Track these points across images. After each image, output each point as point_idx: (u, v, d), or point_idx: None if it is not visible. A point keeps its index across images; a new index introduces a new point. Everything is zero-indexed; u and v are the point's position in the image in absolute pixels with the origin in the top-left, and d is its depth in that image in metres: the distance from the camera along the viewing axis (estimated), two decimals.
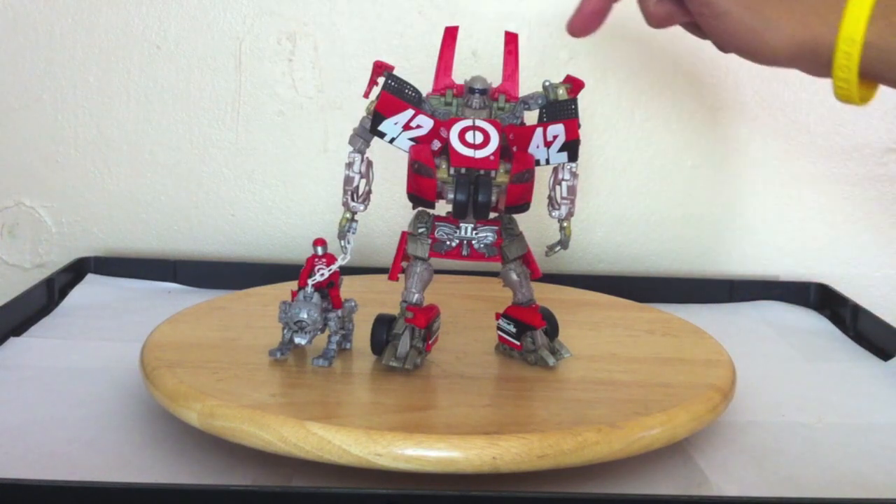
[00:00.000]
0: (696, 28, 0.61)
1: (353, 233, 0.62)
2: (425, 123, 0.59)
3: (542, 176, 0.60)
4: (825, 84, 0.97)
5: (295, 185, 0.96)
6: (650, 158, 0.97)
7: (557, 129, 0.58)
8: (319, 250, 0.61)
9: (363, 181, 0.61)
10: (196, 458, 0.55)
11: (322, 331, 0.61)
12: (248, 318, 0.71)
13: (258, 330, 0.67)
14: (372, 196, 0.62)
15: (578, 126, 0.59)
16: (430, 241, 0.61)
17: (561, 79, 0.61)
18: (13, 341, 0.73)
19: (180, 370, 0.58)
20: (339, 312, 0.62)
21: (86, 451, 0.55)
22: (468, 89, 0.60)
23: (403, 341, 0.60)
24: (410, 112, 0.59)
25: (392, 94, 0.59)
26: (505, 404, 0.57)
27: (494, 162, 0.58)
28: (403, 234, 0.62)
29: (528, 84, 0.62)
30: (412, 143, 0.59)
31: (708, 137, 0.97)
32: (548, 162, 0.60)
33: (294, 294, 0.61)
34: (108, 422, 0.59)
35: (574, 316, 0.74)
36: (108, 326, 0.78)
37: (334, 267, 0.61)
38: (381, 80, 0.59)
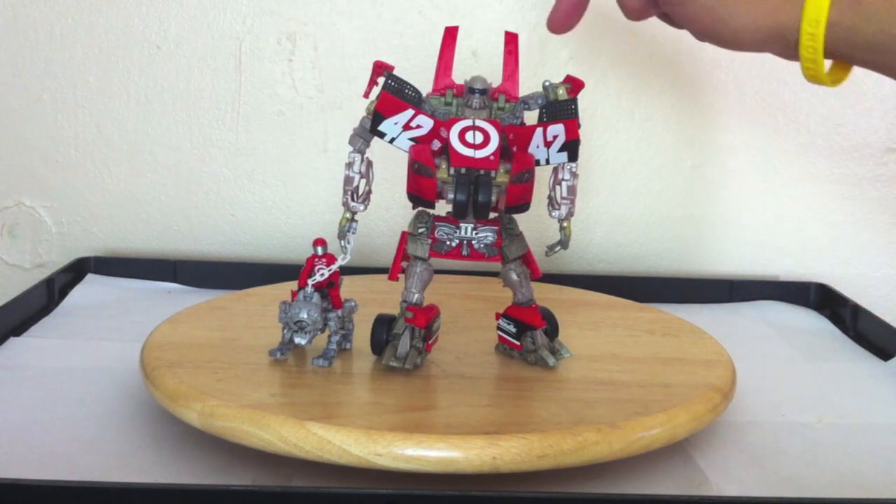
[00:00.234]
0: (671, 19, 0.62)
1: (353, 233, 0.62)
2: (425, 123, 0.59)
3: (542, 176, 0.60)
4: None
5: (295, 185, 0.96)
6: (650, 158, 0.97)
7: (557, 129, 0.58)
8: (319, 250, 0.61)
9: (363, 181, 0.61)
10: (196, 458, 0.55)
11: (322, 331, 0.61)
12: (248, 318, 0.71)
13: (258, 330, 0.67)
14: (372, 196, 0.62)
15: (578, 126, 0.59)
16: (430, 241, 0.61)
17: (561, 79, 0.61)
18: (13, 341, 0.73)
19: (180, 370, 0.58)
20: (339, 312, 0.62)
21: (86, 451, 0.55)
22: (468, 89, 0.60)
23: (403, 341, 0.60)
24: (410, 112, 0.59)
25: (392, 94, 0.59)
26: (505, 404, 0.57)
27: (494, 162, 0.58)
28: (403, 234, 0.62)
29: (528, 84, 0.62)
30: (412, 143, 0.59)
31: (708, 137, 0.97)
32: (548, 162, 0.60)
33: (294, 294, 0.61)
34: (108, 422, 0.59)
35: (574, 316, 0.74)
36: (108, 326, 0.78)
37: (334, 267, 0.61)
38: (381, 80, 0.59)
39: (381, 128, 0.59)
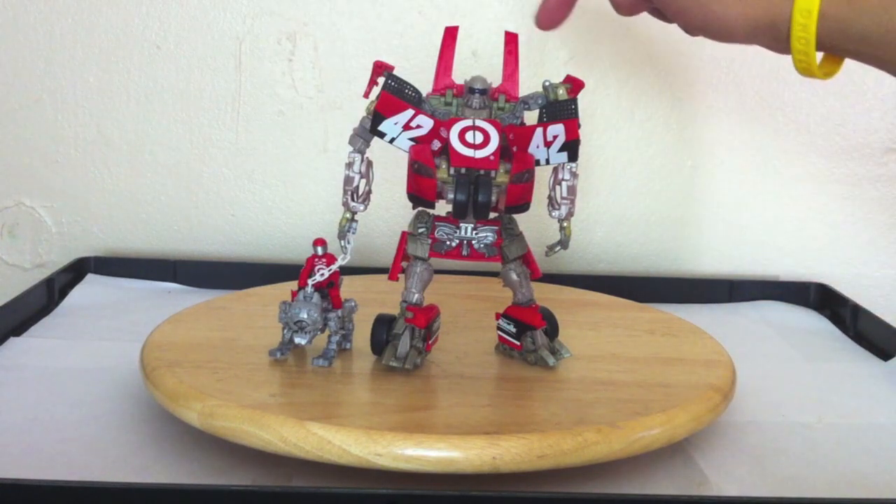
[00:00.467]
0: (661, 13, 0.62)
1: (353, 233, 0.62)
2: (425, 123, 0.59)
3: (542, 176, 0.60)
4: (825, 84, 0.98)
5: (295, 185, 0.96)
6: (650, 158, 0.97)
7: (557, 129, 0.58)
8: (319, 250, 0.61)
9: (363, 181, 0.61)
10: (196, 458, 0.55)
11: (322, 331, 0.61)
12: (248, 318, 0.71)
13: (258, 330, 0.67)
14: (372, 196, 0.62)
15: (578, 126, 0.59)
16: (430, 241, 0.61)
17: (561, 79, 0.61)
18: (13, 341, 0.73)
19: (180, 370, 0.58)
20: (339, 312, 0.62)
21: (86, 451, 0.55)
22: (468, 89, 0.60)
23: (403, 341, 0.60)
24: (410, 112, 0.59)
25: (392, 94, 0.59)
26: (505, 404, 0.57)
27: (494, 162, 0.58)
28: (403, 234, 0.62)
29: (528, 84, 0.62)
30: (412, 143, 0.59)
31: (708, 137, 0.97)
32: (548, 162, 0.60)
33: (294, 294, 0.61)
34: (108, 422, 0.59)
35: (574, 316, 0.74)
36: (108, 326, 0.78)
37: (334, 267, 0.61)
38: (381, 80, 0.59)
39: (381, 128, 0.59)
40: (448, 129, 0.59)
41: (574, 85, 0.60)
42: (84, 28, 0.93)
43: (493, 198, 0.58)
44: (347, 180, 0.61)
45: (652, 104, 0.96)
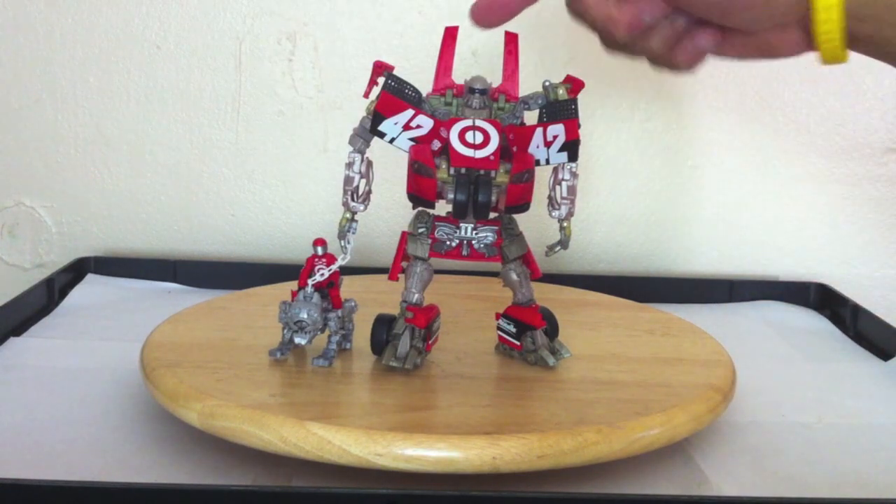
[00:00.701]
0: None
1: (353, 233, 0.62)
2: (425, 123, 0.59)
3: (542, 176, 0.60)
4: (825, 84, 0.98)
5: (295, 185, 0.96)
6: (650, 158, 0.97)
7: (557, 129, 0.58)
8: (319, 250, 0.61)
9: (363, 181, 0.61)
10: (196, 458, 0.55)
11: (322, 331, 0.61)
12: (248, 318, 0.71)
13: (258, 330, 0.67)
14: (372, 196, 0.62)
15: (578, 126, 0.59)
16: (430, 241, 0.61)
17: (561, 79, 0.61)
18: (13, 341, 0.73)
19: (180, 370, 0.58)
20: (339, 312, 0.62)
21: (86, 451, 0.55)
22: (468, 89, 0.60)
23: (403, 341, 0.60)
24: (410, 112, 0.59)
25: (392, 94, 0.59)
26: (505, 404, 0.57)
27: (494, 162, 0.58)
28: (403, 234, 0.62)
29: (528, 84, 0.62)
30: (412, 143, 0.59)
31: (708, 137, 0.97)
32: (548, 162, 0.60)
33: (294, 294, 0.61)
34: (108, 422, 0.59)
35: (574, 316, 0.74)
36: (108, 326, 0.78)
37: (334, 267, 0.61)
38: (381, 80, 0.59)
39: (381, 128, 0.59)
40: (448, 129, 0.59)
41: (574, 85, 0.60)
42: (84, 28, 0.93)
43: (493, 198, 0.58)
44: (347, 180, 0.61)
45: (652, 104, 0.96)
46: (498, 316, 0.64)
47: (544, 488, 0.53)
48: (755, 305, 0.92)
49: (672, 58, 0.56)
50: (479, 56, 0.92)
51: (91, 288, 0.88)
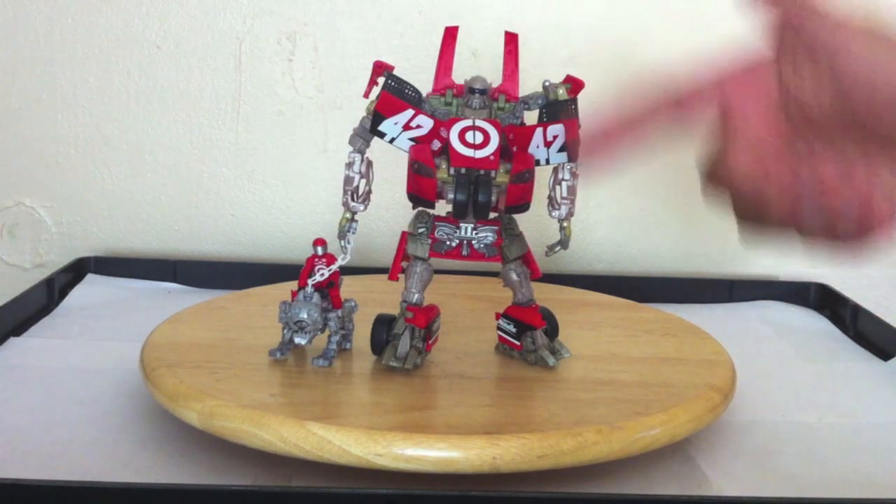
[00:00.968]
0: None
1: (353, 233, 0.62)
2: (425, 123, 0.59)
3: (542, 176, 0.60)
4: None
5: (295, 185, 0.96)
6: (650, 158, 0.97)
7: (557, 129, 0.58)
8: (319, 250, 0.61)
9: (363, 181, 0.61)
10: (196, 458, 0.55)
11: (322, 331, 0.61)
12: (248, 318, 0.71)
13: (258, 330, 0.67)
14: (372, 196, 0.62)
15: (578, 126, 0.59)
16: (430, 241, 0.61)
17: (561, 79, 0.61)
18: (13, 341, 0.73)
19: (180, 370, 0.58)
20: (339, 312, 0.62)
21: (86, 451, 0.55)
22: (468, 89, 0.60)
23: (403, 341, 0.60)
24: (410, 112, 0.59)
25: (392, 94, 0.59)
26: (505, 404, 0.57)
27: (494, 162, 0.58)
28: (403, 234, 0.62)
29: (528, 84, 0.62)
30: (412, 143, 0.59)
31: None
32: (548, 162, 0.60)
33: (294, 294, 0.61)
34: (108, 422, 0.59)
35: (574, 316, 0.74)
36: (108, 326, 0.78)
37: (334, 267, 0.61)
38: (381, 80, 0.59)
39: (381, 128, 0.59)
40: (448, 129, 0.59)
41: (574, 85, 0.60)
42: (84, 28, 0.93)
43: (493, 198, 0.58)
44: (347, 180, 0.61)
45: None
46: (498, 316, 0.64)
47: (544, 488, 0.53)
48: (755, 305, 0.92)
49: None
50: (479, 56, 0.92)
51: (91, 288, 0.88)
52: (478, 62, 0.92)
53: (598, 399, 0.57)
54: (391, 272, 0.62)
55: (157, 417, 0.59)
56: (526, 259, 0.63)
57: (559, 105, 0.59)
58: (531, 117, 0.60)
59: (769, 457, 0.58)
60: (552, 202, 0.61)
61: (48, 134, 0.95)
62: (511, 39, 0.62)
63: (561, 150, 0.59)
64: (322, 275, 0.61)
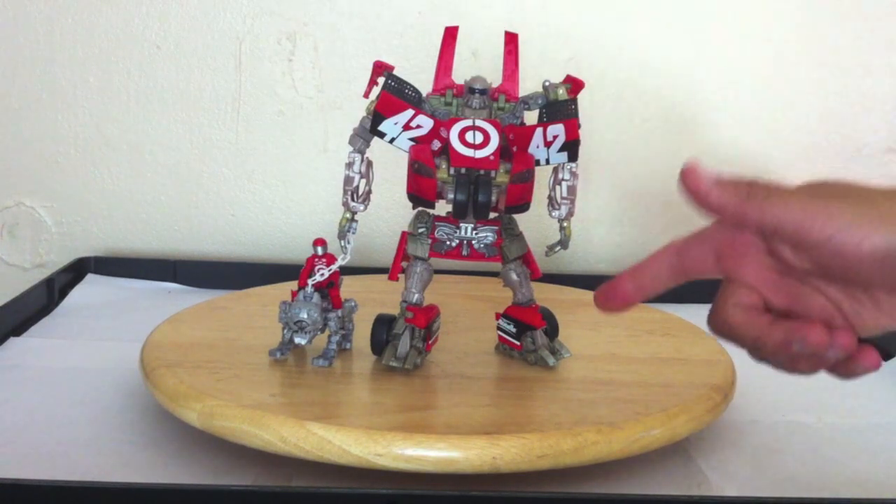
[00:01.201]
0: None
1: (353, 233, 0.62)
2: (425, 123, 0.59)
3: (542, 176, 0.60)
4: (825, 84, 0.97)
5: (295, 185, 0.96)
6: (650, 158, 0.97)
7: (557, 129, 0.58)
8: (319, 250, 0.61)
9: (363, 181, 0.61)
10: (196, 458, 0.55)
11: (322, 331, 0.61)
12: (248, 318, 0.71)
13: (258, 330, 0.67)
14: (372, 196, 0.62)
15: (578, 126, 0.59)
16: (430, 241, 0.61)
17: (561, 79, 0.61)
18: (13, 341, 0.73)
19: (180, 370, 0.58)
20: (339, 312, 0.62)
21: (86, 451, 0.55)
22: (468, 89, 0.60)
23: (403, 341, 0.60)
24: (410, 112, 0.59)
25: (392, 94, 0.59)
26: (505, 404, 0.57)
27: (494, 162, 0.58)
28: (403, 234, 0.62)
29: (528, 84, 0.62)
30: (412, 143, 0.59)
31: (708, 138, 0.97)
32: (548, 162, 0.60)
33: (294, 294, 0.61)
34: (108, 422, 0.59)
35: (574, 316, 0.74)
36: (108, 326, 0.78)
37: (334, 267, 0.61)
38: (381, 80, 0.59)
39: (381, 128, 0.59)
40: (448, 129, 0.59)
41: (574, 85, 0.60)
42: (84, 28, 0.93)
43: (493, 198, 0.58)
44: (347, 180, 0.61)
45: (652, 104, 0.96)
46: (498, 316, 0.64)
47: (544, 488, 0.53)
48: None
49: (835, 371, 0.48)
50: (479, 56, 0.92)
51: (91, 288, 0.88)
52: (478, 62, 0.92)
53: (598, 399, 0.57)
54: (391, 272, 0.62)
55: (157, 417, 0.59)
56: (526, 259, 0.63)
57: (559, 105, 0.59)
58: (531, 117, 0.60)
59: (769, 457, 0.58)
60: (552, 202, 0.61)
61: (48, 134, 0.95)
62: (511, 39, 0.62)
63: (561, 150, 0.59)
64: (322, 275, 0.61)
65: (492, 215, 0.60)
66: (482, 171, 0.58)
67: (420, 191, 0.58)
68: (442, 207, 0.60)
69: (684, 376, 0.62)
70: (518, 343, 0.63)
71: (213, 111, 0.95)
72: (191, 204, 0.97)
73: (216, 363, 0.60)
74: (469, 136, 0.58)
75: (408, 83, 0.59)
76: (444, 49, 0.61)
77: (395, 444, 0.49)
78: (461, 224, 0.61)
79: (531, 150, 0.59)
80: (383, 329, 0.61)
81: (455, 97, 0.60)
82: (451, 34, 0.62)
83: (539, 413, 0.56)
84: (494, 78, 0.61)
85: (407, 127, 0.59)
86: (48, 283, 0.84)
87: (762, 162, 0.97)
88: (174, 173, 0.96)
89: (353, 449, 0.49)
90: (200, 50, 0.93)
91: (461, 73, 0.61)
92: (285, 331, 0.61)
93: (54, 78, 0.94)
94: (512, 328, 0.63)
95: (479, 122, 0.59)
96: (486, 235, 0.61)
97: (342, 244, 0.62)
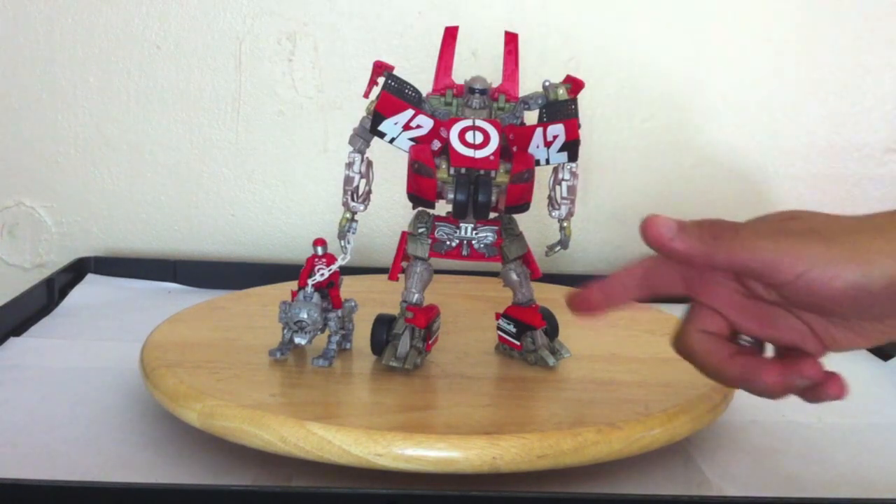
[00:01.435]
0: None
1: (353, 233, 0.62)
2: (425, 123, 0.59)
3: (542, 176, 0.60)
4: (825, 84, 0.97)
5: (295, 185, 0.96)
6: (650, 158, 0.97)
7: (557, 129, 0.58)
8: (319, 250, 0.61)
9: (363, 181, 0.61)
10: (196, 458, 0.55)
11: (322, 331, 0.61)
12: (248, 318, 0.71)
13: (258, 330, 0.67)
14: (372, 196, 0.62)
15: (578, 126, 0.59)
16: (430, 241, 0.61)
17: (561, 79, 0.61)
18: (13, 341, 0.73)
19: (180, 370, 0.58)
20: (339, 312, 0.62)
21: (86, 451, 0.55)
22: (468, 89, 0.60)
23: (403, 341, 0.60)
24: (410, 112, 0.59)
25: (392, 94, 0.59)
26: (505, 404, 0.57)
27: (494, 162, 0.58)
28: (403, 234, 0.62)
29: (528, 84, 0.62)
30: (412, 143, 0.59)
31: (708, 138, 0.97)
32: (548, 162, 0.60)
33: (294, 294, 0.61)
34: (108, 422, 0.59)
35: (574, 316, 0.74)
36: (108, 326, 0.78)
37: (334, 267, 0.61)
38: (381, 80, 0.59)
39: (381, 128, 0.59)
40: (448, 129, 0.59)
41: (574, 85, 0.60)
42: (84, 28, 0.93)
43: (493, 198, 0.58)
44: (347, 180, 0.61)
45: (652, 104, 0.96)
46: (498, 316, 0.64)
47: (544, 488, 0.53)
48: None
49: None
50: (479, 56, 0.92)
51: (91, 288, 0.88)
52: (478, 62, 0.92)
53: (598, 399, 0.57)
54: (391, 272, 0.62)
55: (157, 417, 0.59)
56: (526, 259, 0.63)
57: (559, 105, 0.59)
58: (531, 117, 0.60)
59: (769, 457, 0.58)
60: (552, 202, 0.61)
61: (48, 134, 0.95)
62: (511, 39, 0.62)
63: (561, 150, 0.59)
64: (322, 275, 0.61)
65: (492, 215, 0.60)
66: (482, 171, 0.58)
67: (420, 191, 0.58)
68: (442, 207, 0.60)
69: (684, 376, 0.62)
70: (518, 343, 0.63)
71: (213, 111, 0.95)
72: (191, 204, 0.97)
73: (216, 363, 0.60)
74: (469, 136, 0.58)
75: (408, 83, 0.59)
76: (444, 49, 0.61)
77: (395, 444, 0.49)
78: (461, 224, 0.61)
79: (531, 150, 0.59)
80: (383, 329, 0.61)
81: (455, 97, 0.60)
82: (451, 34, 0.62)
83: (539, 413, 0.56)
84: (494, 78, 0.61)
85: (407, 127, 0.59)
86: (48, 283, 0.84)
87: (761, 161, 0.97)
88: (174, 173, 0.96)
89: (353, 449, 0.49)
90: (200, 50, 0.93)
91: (461, 73, 0.61)
92: (285, 331, 0.61)
93: (54, 78, 0.94)
94: (512, 328, 0.63)
95: (479, 122, 0.59)
96: (486, 235, 0.61)
97: (342, 244, 0.62)
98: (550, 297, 0.69)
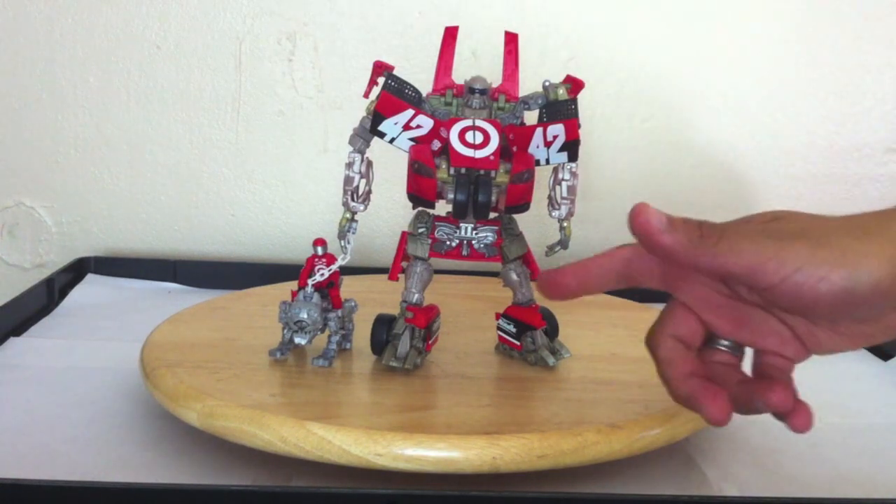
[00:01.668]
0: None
1: (353, 233, 0.62)
2: (425, 123, 0.59)
3: (543, 176, 0.60)
4: (824, 84, 0.97)
5: (295, 185, 0.96)
6: (650, 158, 0.97)
7: (557, 129, 0.58)
8: (319, 250, 0.61)
9: (363, 181, 0.61)
10: (196, 458, 0.55)
11: (322, 331, 0.61)
12: (248, 318, 0.71)
13: (258, 330, 0.67)
14: (372, 196, 0.62)
15: (578, 126, 0.59)
16: (430, 241, 0.61)
17: (561, 79, 0.61)
18: (13, 341, 0.73)
19: (180, 370, 0.58)
20: (339, 312, 0.62)
21: (86, 451, 0.55)
22: (468, 89, 0.60)
23: (403, 341, 0.60)
24: (410, 112, 0.59)
25: (392, 94, 0.59)
26: (505, 404, 0.57)
27: (494, 162, 0.58)
28: (403, 234, 0.62)
29: (528, 84, 0.62)
30: (412, 143, 0.59)
31: (707, 137, 0.97)
32: (548, 162, 0.60)
33: (294, 294, 0.61)
34: (108, 422, 0.59)
35: (574, 316, 0.74)
36: (108, 326, 0.78)
37: (334, 267, 0.61)
38: (381, 80, 0.59)
39: (381, 128, 0.59)
40: (448, 129, 0.59)
41: (574, 85, 0.60)
42: (84, 28, 0.93)
43: (493, 198, 0.58)
44: (347, 180, 0.61)
45: (652, 104, 0.96)
46: (498, 316, 0.64)
47: (544, 488, 0.53)
48: None
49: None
50: (479, 56, 0.92)
51: (91, 288, 0.88)
52: (478, 62, 0.92)
53: (598, 399, 0.57)
54: (391, 272, 0.62)
55: (157, 417, 0.59)
56: (526, 259, 0.63)
57: (559, 105, 0.59)
58: (531, 117, 0.60)
59: (769, 457, 0.58)
60: (552, 202, 0.61)
61: (48, 134, 0.95)
62: (511, 39, 0.62)
63: (561, 150, 0.59)
64: (322, 275, 0.61)
65: (492, 215, 0.60)
66: (482, 171, 0.58)
67: (420, 191, 0.58)
68: (442, 207, 0.60)
69: None
70: (518, 343, 0.63)
71: (213, 111, 0.95)
72: (191, 204, 0.97)
73: (216, 363, 0.60)
74: (469, 136, 0.58)
75: (408, 83, 0.59)
76: (444, 49, 0.61)
77: (395, 444, 0.49)
78: (461, 224, 0.61)
79: (531, 150, 0.59)
80: (383, 329, 0.61)
81: (455, 97, 0.60)
82: (451, 34, 0.62)
83: (539, 413, 0.56)
84: (494, 78, 0.61)
85: (407, 127, 0.59)
86: (48, 283, 0.84)
87: (761, 161, 0.97)
88: (174, 173, 0.96)
89: (353, 449, 0.49)
90: (200, 50, 0.93)
91: (461, 73, 0.61)
92: (285, 331, 0.61)
93: (54, 78, 0.94)
94: (512, 328, 0.63)
95: (479, 122, 0.59)
96: (486, 235, 0.61)
97: (342, 244, 0.62)
98: None
